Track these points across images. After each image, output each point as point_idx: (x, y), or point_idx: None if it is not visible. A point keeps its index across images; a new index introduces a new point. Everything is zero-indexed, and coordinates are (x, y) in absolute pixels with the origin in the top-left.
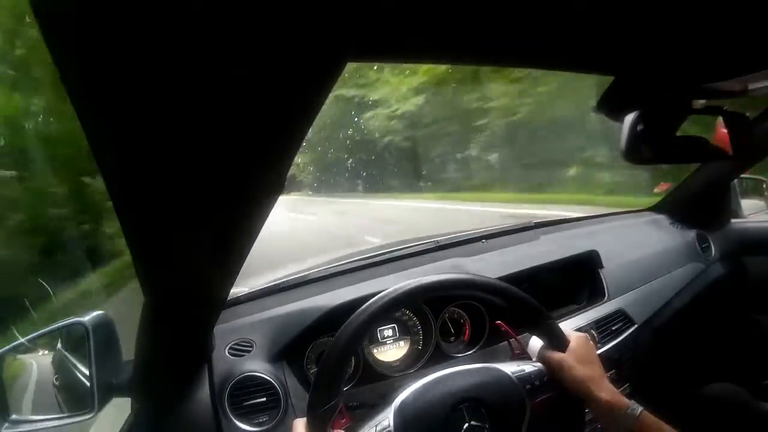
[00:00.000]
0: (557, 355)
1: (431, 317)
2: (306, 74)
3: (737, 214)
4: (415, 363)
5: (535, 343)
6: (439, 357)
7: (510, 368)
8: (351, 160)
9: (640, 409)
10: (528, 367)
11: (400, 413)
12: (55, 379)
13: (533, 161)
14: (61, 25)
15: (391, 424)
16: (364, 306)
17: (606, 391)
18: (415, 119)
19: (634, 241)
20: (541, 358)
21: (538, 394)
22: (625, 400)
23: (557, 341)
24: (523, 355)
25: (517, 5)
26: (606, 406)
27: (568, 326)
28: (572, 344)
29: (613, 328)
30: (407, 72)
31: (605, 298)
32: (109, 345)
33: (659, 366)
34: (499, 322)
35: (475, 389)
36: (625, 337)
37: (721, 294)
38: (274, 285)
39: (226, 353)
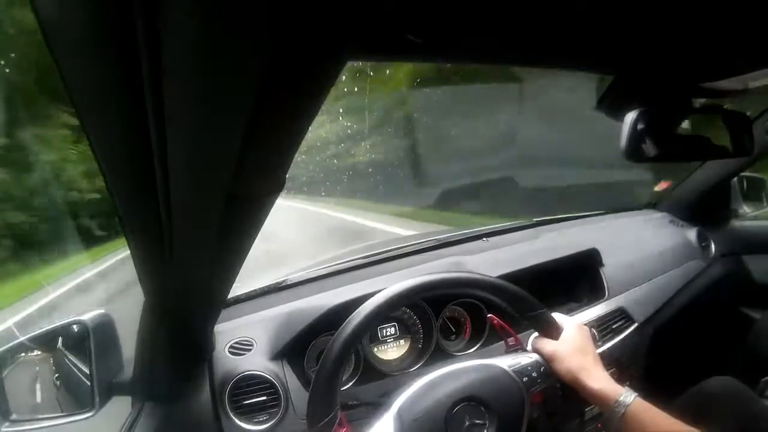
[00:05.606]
0: (550, 345)
1: (432, 316)
2: (306, 73)
3: (737, 212)
4: (415, 362)
5: (534, 335)
6: (439, 355)
7: (505, 362)
8: None
9: (632, 396)
10: (524, 359)
11: (399, 419)
12: (55, 378)
13: None
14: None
15: (392, 431)
16: (353, 314)
17: (598, 380)
18: None
19: (635, 239)
20: (534, 348)
21: (535, 386)
22: (618, 388)
23: (550, 330)
24: (518, 347)
25: (517, 5)
26: (598, 395)
27: None
28: (565, 333)
29: (614, 327)
30: None
31: (605, 297)
32: (110, 344)
33: (660, 364)
34: (490, 315)
35: (472, 387)
36: (626, 335)
37: (722, 292)
38: (274, 284)
39: (227, 352)
